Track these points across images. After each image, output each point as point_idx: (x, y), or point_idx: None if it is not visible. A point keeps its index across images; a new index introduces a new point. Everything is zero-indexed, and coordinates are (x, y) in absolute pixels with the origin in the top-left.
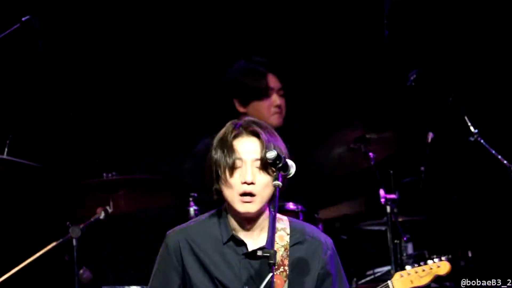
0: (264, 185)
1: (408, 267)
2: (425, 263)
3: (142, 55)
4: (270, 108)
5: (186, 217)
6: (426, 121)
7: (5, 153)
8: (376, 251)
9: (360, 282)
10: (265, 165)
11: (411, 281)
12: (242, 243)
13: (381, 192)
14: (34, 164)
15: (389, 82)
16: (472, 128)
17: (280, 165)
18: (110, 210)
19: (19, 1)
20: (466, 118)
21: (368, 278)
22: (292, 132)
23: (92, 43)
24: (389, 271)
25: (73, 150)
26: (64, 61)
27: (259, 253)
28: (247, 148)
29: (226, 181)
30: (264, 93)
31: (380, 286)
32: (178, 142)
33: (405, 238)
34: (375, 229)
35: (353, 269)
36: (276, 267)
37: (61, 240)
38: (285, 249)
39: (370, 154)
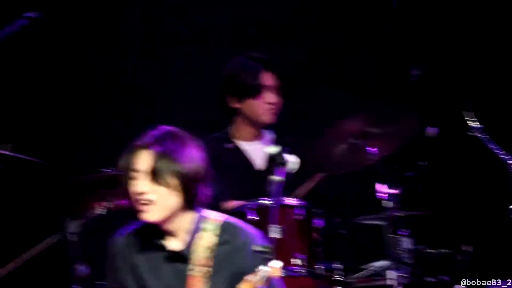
0: (162, 195)
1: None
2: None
3: (138, 51)
4: (264, 105)
5: None
6: (429, 115)
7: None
8: (374, 245)
9: (356, 276)
10: (157, 178)
11: (252, 283)
12: (163, 247)
13: (381, 186)
14: (34, 159)
15: (392, 76)
16: (474, 124)
17: (282, 160)
18: (109, 206)
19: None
20: (469, 113)
21: (365, 273)
22: (292, 127)
23: (91, 39)
24: (386, 265)
25: (72, 146)
26: (64, 58)
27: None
28: (141, 161)
29: (127, 190)
30: (257, 90)
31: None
32: None
33: (404, 233)
34: (374, 223)
35: (351, 264)
36: (195, 267)
37: (59, 235)
38: (210, 249)
39: (371, 149)
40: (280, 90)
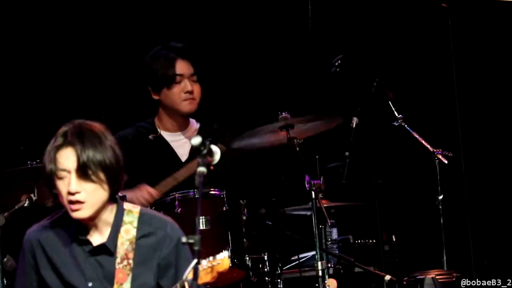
0: (91, 192)
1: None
2: (211, 259)
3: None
4: (180, 94)
5: None
6: (351, 106)
7: None
8: (301, 236)
9: (285, 268)
10: (85, 173)
11: (200, 278)
12: (86, 242)
13: (306, 177)
14: None
15: (314, 68)
16: (396, 113)
17: (205, 151)
18: (34, 198)
19: None
20: (390, 103)
21: (293, 264)
22: (213, 120)
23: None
24: (314, 256)
25: None
26: None
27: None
28: (67, 159)
29: (56, 190)
30: (172, 80)
31: (177, 283)
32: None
33: (329, 224)
34: (300, 214)
35: (279, 255)
36: (120, 260)
37: None
38: (131, 242)
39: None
40: (199, 78)
